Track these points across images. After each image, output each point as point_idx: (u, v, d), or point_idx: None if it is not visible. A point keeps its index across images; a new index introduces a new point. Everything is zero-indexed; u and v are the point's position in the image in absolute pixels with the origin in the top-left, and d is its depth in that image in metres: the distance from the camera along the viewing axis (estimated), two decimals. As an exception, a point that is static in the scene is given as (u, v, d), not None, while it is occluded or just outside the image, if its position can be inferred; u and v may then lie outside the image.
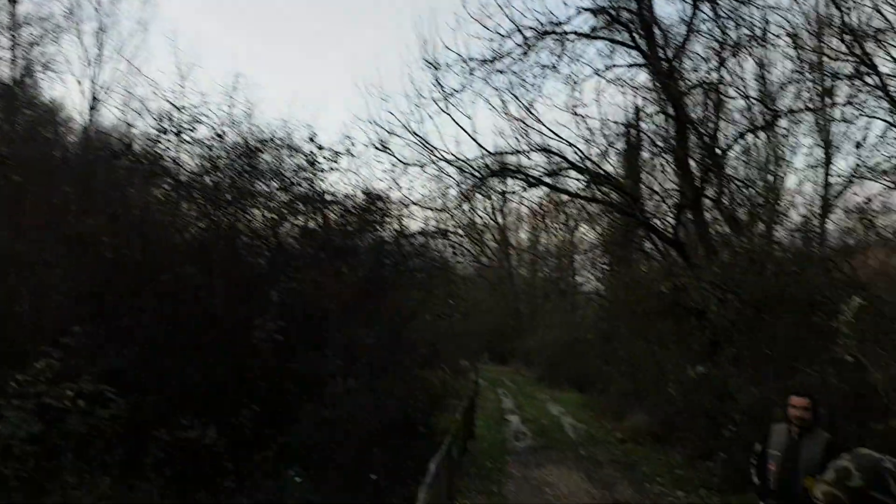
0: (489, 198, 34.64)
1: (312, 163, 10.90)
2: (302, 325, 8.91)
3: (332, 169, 11.08)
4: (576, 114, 14.96)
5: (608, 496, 10.68)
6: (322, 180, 10.98)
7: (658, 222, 15.57)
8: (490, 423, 18.85)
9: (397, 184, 13.04)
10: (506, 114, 15.17)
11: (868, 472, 1.79)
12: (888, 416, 6.48)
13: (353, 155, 11.44)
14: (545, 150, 15.09)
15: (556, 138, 14.96)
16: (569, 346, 27.79)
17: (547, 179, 15.95)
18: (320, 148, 11.10)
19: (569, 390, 27.22)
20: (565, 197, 19.51)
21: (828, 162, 17.25)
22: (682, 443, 13.31)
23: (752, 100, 15.67)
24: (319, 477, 7.77)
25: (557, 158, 15.20)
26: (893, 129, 13.71)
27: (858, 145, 16.16)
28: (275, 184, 10.70)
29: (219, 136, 10.66)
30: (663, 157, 16.11)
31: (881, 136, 15.11)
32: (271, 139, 10.91)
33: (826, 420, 7.64)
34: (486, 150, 15.26)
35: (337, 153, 11.17)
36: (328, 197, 10.97)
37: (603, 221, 20.38)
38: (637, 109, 16.52)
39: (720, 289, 10.41)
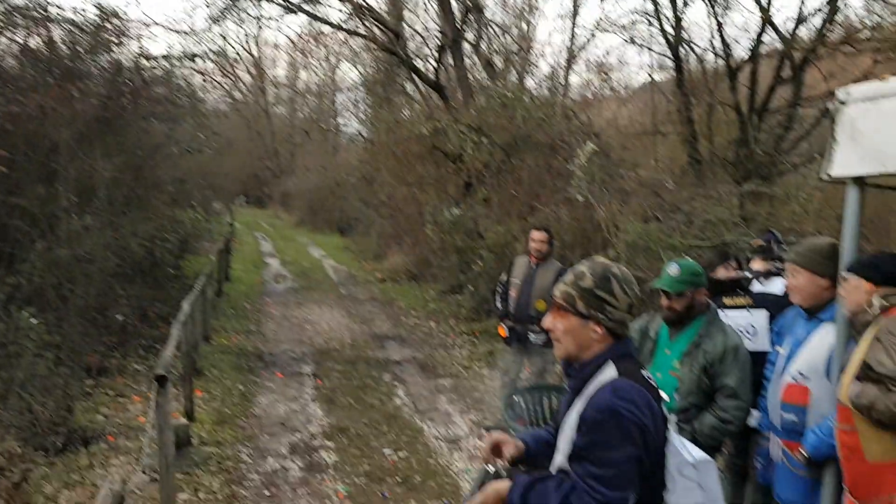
0: (242, 24, 31.88)
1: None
2: (28, 157, 7.73)
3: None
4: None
5: (367, 330, 11.22)
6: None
7: (420, 64, 15.59)
8: (248, 266, 18.58)
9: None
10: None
11: (598, 275, 2.01)
12: (607, 247, 7.39)
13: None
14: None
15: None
16: (330, 189, 27.74)
17: (307, 7, 15.01)
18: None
19: (330, 234, 27.57)
20: (326, 29, 18.63)
21: (575, 13, 18.28)
22: (436, 279, 14.26)
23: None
24: (59, 319, 7.11)
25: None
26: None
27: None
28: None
29: None
30: (426, -6, 15.88)
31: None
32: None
33: (559, 251, 8.58)
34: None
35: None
36: (52, 10, 9.26)
37: (365, 60, 19.95)
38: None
39: (475, 132, 10.84)
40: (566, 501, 1.84)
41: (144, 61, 9.47)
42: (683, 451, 1.97)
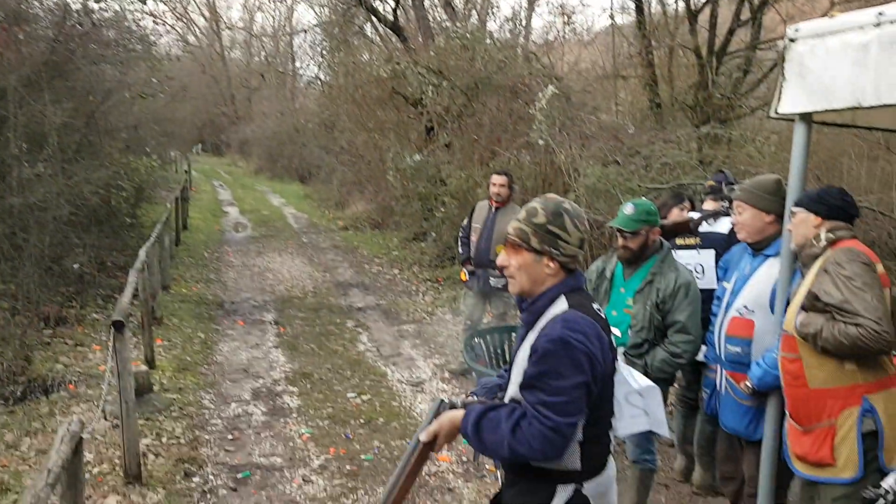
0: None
1: None
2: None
3: None
4: None
5: (329, 278, 11.20)
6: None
7: (379, 5, 15.20)
8: (206, 214, 18.29)
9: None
10: None
11: (550, 211, 2.05)
12: (567, 192, 7.44)
13: None
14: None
15: None
16: (288, 136, 27.22)
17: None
18: None
19: (290, 182, 27.17)
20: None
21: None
22: (399, 227, 14.23)
23: None
24: (14, 269, 6.97)
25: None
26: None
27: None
28: None
29: None
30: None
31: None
32: None
33: (521, 197, 8.62)
34: None
35: None
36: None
37: (322, 1, 19.38)
38: None
39: (435, 75, 10.69)
40: (517, 427, 1.89)
41: (93, 3, 9.08)
42: (630, 379, 2.05)
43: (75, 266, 7.59)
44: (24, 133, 7.51)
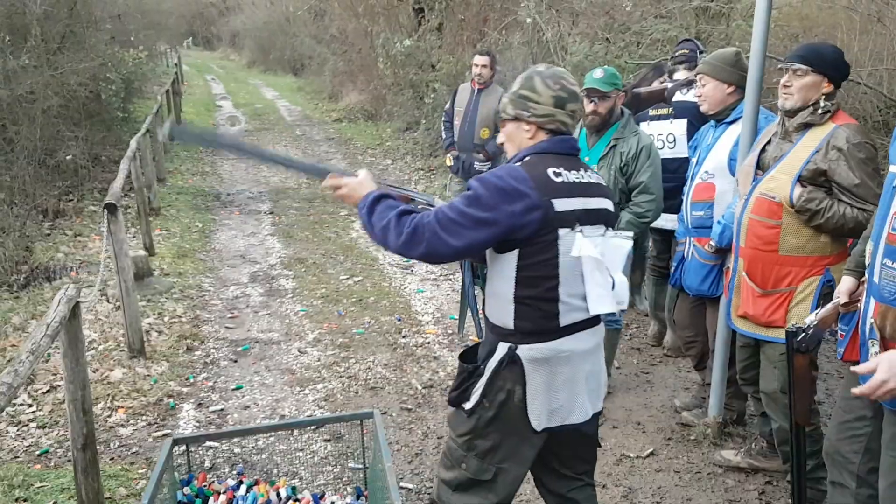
0: None
1: None
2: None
3: None
4: None
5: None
6: None
7: None
8: (200, 109, 18.12)
9: None
10: None
11: (523, 77, 2.09)
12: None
13: None
14: None
15: None
16: (279, 27, 26.48)
17: None
18: None
19: (283, 75, 26.65)
20: None
21: None
22: (392, 117, 14.11)
23: None
24: (8, 162, 7.07)
25: None
26: None
27: None
28: None
29: None
30: None
31: None
32: None
33: (506, 77, 8.53)
34: None
35: None
36: None
37: None
38: None
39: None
40: (401, 222, 1.88)
41: None
42: (577, 246, 1.96)
43: (68, 157, 7.66)
44: (6, 24, 7.40)
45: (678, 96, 4.13)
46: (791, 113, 2.70)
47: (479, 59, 6.04)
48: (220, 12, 38.82)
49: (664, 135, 4.14)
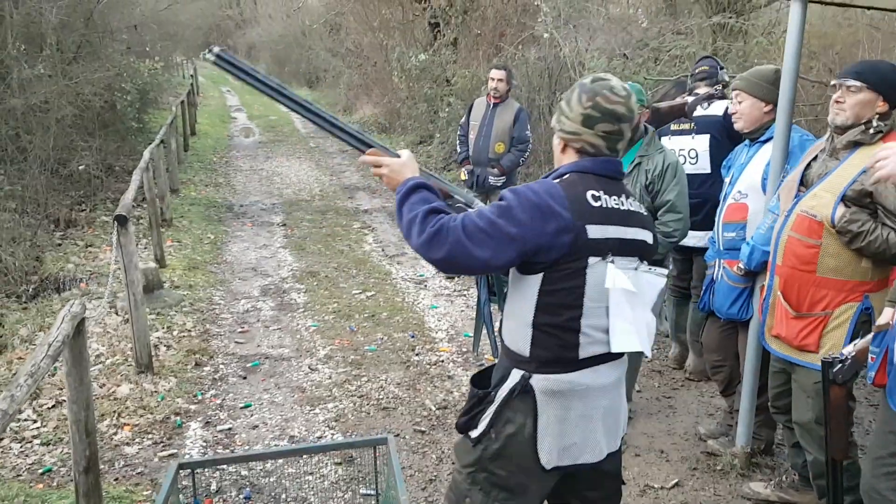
0: None
1: None
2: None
3: None
4: None
5: (337, 181, 11.22)
6: None
7: None
8: (215, 120, 18.19)
9: None
10: None
11: (573, 86, 1.93)
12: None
13: None
14: None
15: None
16: (295, 39, 26.63)
17: None
18: None
19: (298, 87, 26.72)
20: None
21: None
22: (406, 130, 14.08)
23: None
24: (21, 171, 7.03)
25: None
26: None
27: None
28: None
29: None
30: None
31: None
32: None
33: (526, 94, 8.46)
34: None
35: None
36: None
37: None
38: None
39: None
40: (427, 220, 1.76)
41: None
42: (609, 278, 1.83)
43: (80, 167, 7.62)
44: (22, 33, 7.39)
45: (699, 111, 4.02)
46: (841, 130, 2.58)
47: (496, 73, 5.97)
48: (237, 25, 39.14)
49: (686, 150, 4.03)
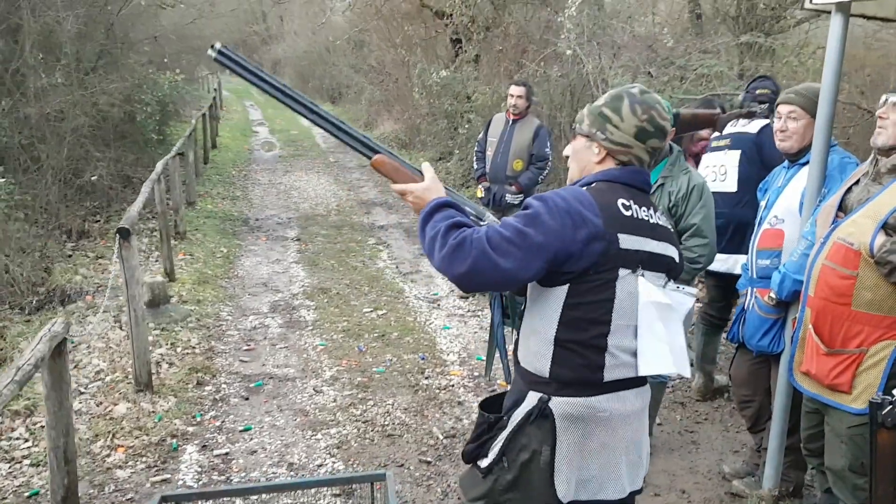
0: None
1: None
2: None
3: None
4: None
5: (354, 196, 11.11)
6: None
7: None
8: (236, 134, 18.23)
9: None
10: None
11: (613, 95, 1.82)
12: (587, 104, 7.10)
13: None
14: None
15: None
16: (319, 56, 26.80)
17: None
18: None
19: (320, 102, 26.84)
20: None
21: None
22: (426, 146, 13.98)
23: None
24: (32, 179, 6.98)
25: None
26: None
27: None
28: None
29: None
30: None
31: None
32: None
33: (548, 111, 8.29)
34: None
35: None
36: None
37: None
38: None
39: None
40: (448, 234, 1.64)
41: None
42: (642, 291, 1.71)
43: (93, 178, 7.56)
44: (40, 43, 7.37)
45: (730, 127, 3.81)
46: (884, 152, 2.37)
47: (515, 90, 5.81)
48: (262, 40, 39.53)
49: (717, 166, 3.82)
